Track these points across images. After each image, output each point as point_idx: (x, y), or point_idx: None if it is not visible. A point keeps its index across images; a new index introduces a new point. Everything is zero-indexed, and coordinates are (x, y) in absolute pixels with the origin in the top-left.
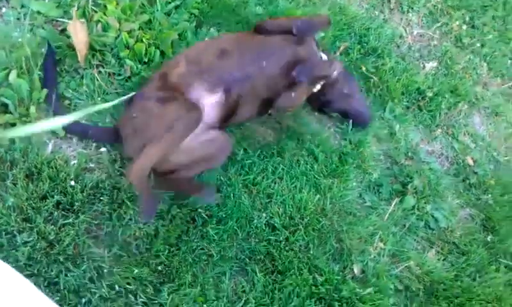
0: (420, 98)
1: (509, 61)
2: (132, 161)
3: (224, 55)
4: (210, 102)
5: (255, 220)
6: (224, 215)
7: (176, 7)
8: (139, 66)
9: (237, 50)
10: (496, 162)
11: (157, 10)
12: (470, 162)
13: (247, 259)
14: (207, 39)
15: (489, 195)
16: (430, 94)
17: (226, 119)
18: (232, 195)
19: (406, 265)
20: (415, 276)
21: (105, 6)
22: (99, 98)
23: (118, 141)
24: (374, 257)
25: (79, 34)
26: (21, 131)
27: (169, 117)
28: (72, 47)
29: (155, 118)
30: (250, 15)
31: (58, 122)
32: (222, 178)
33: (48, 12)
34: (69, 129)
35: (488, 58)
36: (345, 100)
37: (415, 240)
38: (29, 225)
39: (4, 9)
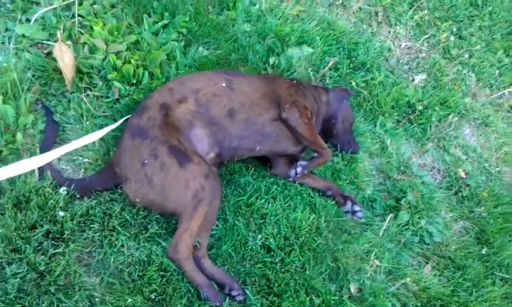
0: (410, 112)
1: (497, 71)
2: (174, 239)
3: (232, 116)
4: (205, 154)
5: (250, 242)
6: (218, 238)
7: (164, 26)
8: (128, 88)
9: (244, 120)
10: (488, 174)
11: (145, 30)
12: (462, 174)
13: (242, 283)
14: (217, 73)
15: (482, 207)
16: (420, 107)
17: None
18: (226, 217)
19: (403, 282)
20: (412, 293)
21: (91, 28)
22: (87, 122)
23: (117, 180)
24: (371, 275)
25: (65, 57)
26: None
27: (193, 186)
28: (58, 70)
29: (174, 179)
30: (239, 33)
31: (41, 161)
32: None
33: (33, 35)
34: (74, 188)
35: (476, 69)
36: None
37: (410, 255)
38: (19, 256)
39: None
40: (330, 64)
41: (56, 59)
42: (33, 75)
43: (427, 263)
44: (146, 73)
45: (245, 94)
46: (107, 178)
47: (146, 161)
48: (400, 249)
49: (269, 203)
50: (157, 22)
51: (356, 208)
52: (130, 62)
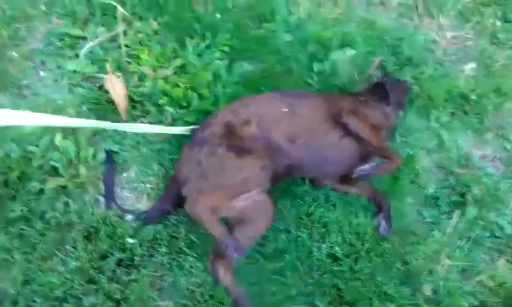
0: (464, 103)
1: None
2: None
3: (293, 142)
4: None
5: (315, 252)
6: (281, 251)
7: (207, 47)
8: (179, 111)
9: (305, 144)
10: None
11: (189, 52)
12: None
13: (312, 294)
14: (279, 96)
15: None
16: (474, 97)
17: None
18: (288, 228)
19: (478, 279)
20: (489, 289)
21: (138, 57)
22: (144, 149)
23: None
24: (443, 275)
25: (116, 88)
26: None
27: (245, 172)
28: (111, 102)
29: (230, 168)
30: (280, 44)
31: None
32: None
33: (84, 69)
34: (147, 221)
35: None
36: None
37: (482, 251)
38: (94, 286)
39: (42, 73)
40: (376, 63)
41: (108, 91)
42: (89, 109)
43: (500, 257)
44: (196, 95)
45: (307, 119)
46: (173, 195)
47: (203, 161)
48: (471, 245)
49: (329, 210)
50: (200, 43)
51: (382, 224)
52: (178, 85)
